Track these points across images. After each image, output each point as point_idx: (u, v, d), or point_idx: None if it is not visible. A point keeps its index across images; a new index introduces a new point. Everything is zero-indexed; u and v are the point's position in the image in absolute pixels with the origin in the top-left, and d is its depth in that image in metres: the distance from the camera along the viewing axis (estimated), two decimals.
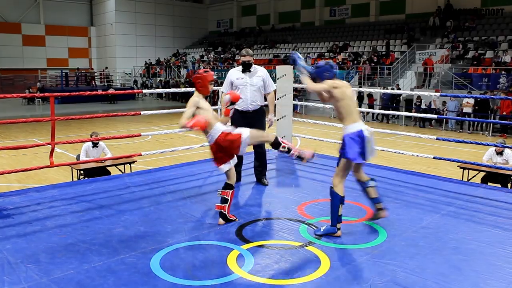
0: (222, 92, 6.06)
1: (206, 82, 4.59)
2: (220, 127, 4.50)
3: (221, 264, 3.61)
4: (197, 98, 4.52)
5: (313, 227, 4.44)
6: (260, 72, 5.90)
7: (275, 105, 6.51)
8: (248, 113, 5.82)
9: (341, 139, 4.20)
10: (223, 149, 4.47)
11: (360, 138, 4.10)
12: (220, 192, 4.51)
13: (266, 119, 6.06)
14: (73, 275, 3.41)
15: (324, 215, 4.79)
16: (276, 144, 4.62)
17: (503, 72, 18.73)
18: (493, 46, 21.21)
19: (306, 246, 4.00)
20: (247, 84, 5.77)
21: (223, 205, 4.47)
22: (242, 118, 5.68)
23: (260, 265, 3.61)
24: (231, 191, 4.49)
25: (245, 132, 4.44)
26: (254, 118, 5.77)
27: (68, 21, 37.65)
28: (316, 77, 4.26)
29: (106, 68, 37.37)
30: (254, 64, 5.92)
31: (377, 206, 4.42)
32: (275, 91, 6.29)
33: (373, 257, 3.79)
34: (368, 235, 4.27)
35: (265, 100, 6.11)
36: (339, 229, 4.20)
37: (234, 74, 5.88)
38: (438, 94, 8.06)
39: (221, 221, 4.50)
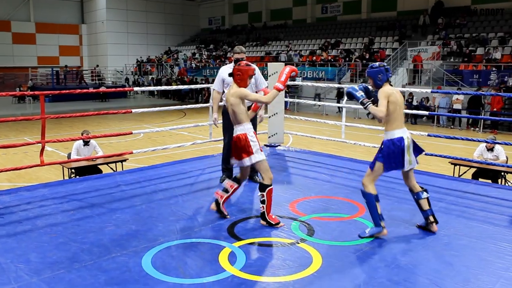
0: (214, 89, 6.03)
1: (246, 76, 4.54)
2: (249, 128, 4.45)
3: (213, 262, 3.60)
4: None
5: (305, 224, 4.44)
6: None
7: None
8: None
9: (381, 143, 4.24)
10: (236, 147, 4.42)
11: (398, 146, 4.09)
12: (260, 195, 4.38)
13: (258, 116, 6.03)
14: (64, 274, 3.38)
15: (316, 212, 4.80)
16: (260, 187, 4.37)
17: (493, 69, 18.84)
18: (484, 43, 21.33)
19: (298, 243, 4.00)
20: None
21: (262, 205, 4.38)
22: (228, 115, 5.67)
23: (252, 263, 3.61)
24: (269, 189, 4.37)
25: (260, 156, 4.35)
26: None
27: (59, 19, 37.37)
28: (371, 78, 4.20)
29: (97, 66, 37.17)
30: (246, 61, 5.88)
31: (429, 219, 4.28)
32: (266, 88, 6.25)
33: (365, 253, 3.79)
34: (361, 232, 4.26)
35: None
36: (384, 227, 4.13)
37: (226, 71, 5.82)
38: (429, 91, 8.07)
39: (262, 222, 4.43)
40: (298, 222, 4.49)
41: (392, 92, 4.10)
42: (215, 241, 4.01)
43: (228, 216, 4.59)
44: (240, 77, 4.51)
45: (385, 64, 4.26)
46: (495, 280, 3.37)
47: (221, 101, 6.00)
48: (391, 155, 4.11)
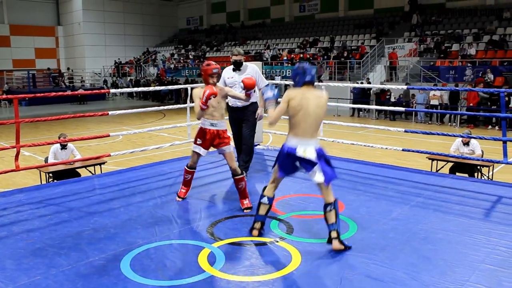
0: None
1: (206, 76, 4.76)
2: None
3: (192, 263, 3.59)
4: (199, 90, 4.76)
5: (285, 223, 4.45)
6: (249, 70, 6.01)
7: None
8: (237, 109, 6.09)
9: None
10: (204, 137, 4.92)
11: (288, 154, 3.81)
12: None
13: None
14: (40, 280, 3.34)
15: (295, 210, 4.82)
16: (236, 178, 4.91)
17: (468, 65, 19.15)
18: (459, 39, 21.67)
19: (277, 241, 4.01)
20: (236, 82, 5.90)
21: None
22: (233, 114, 6.15)
23: (232, 263, 3.60)
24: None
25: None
26: (243, 114, 6.05)
27: (34, 21, 36.73)
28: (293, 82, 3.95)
29: (68, 69, 36.61)
30: (243, 62, 6.04)
31: (330, 234, 3.85)
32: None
33: (343, 250, 3.82)
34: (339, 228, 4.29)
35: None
36: (254, 228, 4.13)
37: (226, 73, 6.09)
38: (405, 87, 8.16)
39: None
40: (277, 221, 4.50)
41: (294, 96, 3.76)
42: (194, 242, 4.00)
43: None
44: (203, 76, 4.80)
45: (306, 65, 3.90)
46: (470, 272, 3.43)
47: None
48: (283, 160, 3.88)
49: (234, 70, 6.01)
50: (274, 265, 3.57)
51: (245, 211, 4.82)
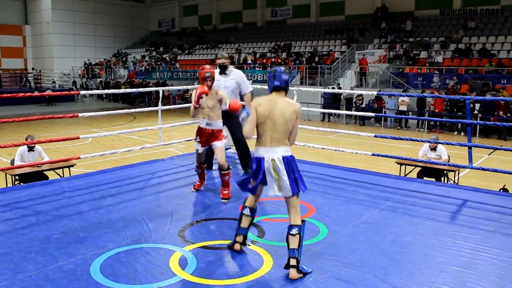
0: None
1: (200, 78, 5.13)
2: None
3: (163, 267, 3.57)
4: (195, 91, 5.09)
5: (256, 227, 4.47)
6: (234, 75, 6.16)
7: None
8: (223, 112, 5.99)
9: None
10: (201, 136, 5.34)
11: (258, 164, 3.63)
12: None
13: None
14: (6, 286, 3.25)
15: (267, 213, 4.85)
16: (222, 172, 5.27)
17: (436, 72, 19.63)
18: (427, 47, 22.19)
19: (249, 245, 4.02)
20: (221, 86, 5.98)
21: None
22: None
23: (203, 266, 3.60)
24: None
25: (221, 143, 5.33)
26: (229, 117, 6.01)
27: (0, 19, 35.80)
28: None
29: (33, 69, 35.81)
30: (227, 65, 6.19)
31: (290, 261, 3.49)
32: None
33: (314, 253, 3.86)
34: (310, 232, 4.33)
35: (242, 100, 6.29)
36: (236, 241, 3.89)
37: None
38: (375, 93, 8.31)
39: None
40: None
41: (261, 103, 3.62)
42: (165, 246, 3.98)
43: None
44: (199, 79, 5.15)
45: (279, 69, 3.71)
46: (437, 273, 3.52)
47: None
48: (253, 170, 3.67)
49: (220, 73, 6.13)
50: (245, 268, 3.58)
51: (222, 200, 5.24)
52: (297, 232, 3.49)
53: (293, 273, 3.42)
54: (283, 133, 3.59)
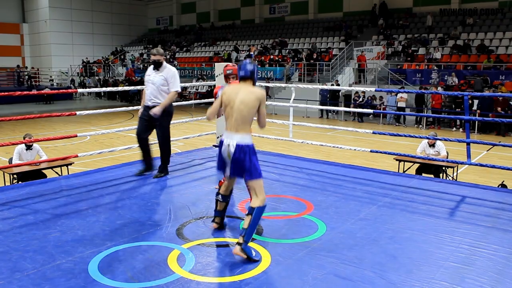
0: (145, 88, 6.29)
1: (224, 77, 5.18)
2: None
3: (162, 265, 3.56)
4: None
5: None
6: (165, 72, 6.04)
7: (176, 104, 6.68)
8: (148, 108, 6.09)
9: None
10: None
11: (220, 147, 3.91)
12: None
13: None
14: (4, 285, 3.24)
15: (265, 211, 4.82)
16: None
17: (434, 68, 19.63)
18: (425, 43, 22.18)
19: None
20: (149, 81, 6.04)
21: None
22: (145, 112, 6.13)
23: (201, 264, 3.59)
24: None
25: None
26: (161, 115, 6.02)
27: None
28: None
29: (26, 67, 35.64)
30: (162, 62, 6.06)
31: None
32: (179, 93, 6.57)
33: (312, 250, 3.86)
34: (308, 229, 4.34)
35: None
36: (215, 221, 4.32)
37: (148, 71, 6.19)
38: (373, 89, 8.31)
39: None
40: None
41: (226, 91, 3.91)
42: (163, 244, 3.97)
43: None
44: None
45: (245, 61, 4.03)
46: (435, 269, 3.52)
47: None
48: (218, 156, 3.97)
49: (154, 68, 6.09)
50: (244, 266, 3.57)
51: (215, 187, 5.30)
52: (249, 213, 3.74)
53: (236, 249, 3.68)
54: (242, 120, 3.78)
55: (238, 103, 3.78)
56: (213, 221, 4.34)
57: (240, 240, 3.67)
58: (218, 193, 4.22)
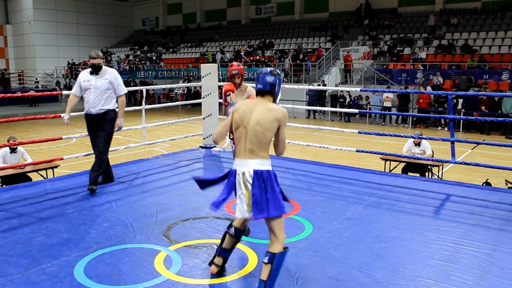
0: (72, 93, 5.82)
1: (229, 76, 5.12)
2: None
3: (148, 267, 3.55)
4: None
5: None
6: (108, 75, 5.65)
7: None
8: (91, 116, 5.67)
9: None
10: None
11: (229, 179, 3.25)
12: None
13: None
14: None
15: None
16: None
17: (420, 68, 19.79)
18: (410, 43, 22.36)
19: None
20: (91, 87, 5.58)
21: None
22: (88, 121, 5.74)
23: (188, 266, 3.59)
24: None
25: None
26: (98, 122, 5.65)
27: None
28: None
29: (5, 70, 35.16)
30: (102, 65, 5.67)
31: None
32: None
33: (299, 250, 3.88)
34: (295, 229, 4.36)
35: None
36: (212, 262, 3.48)
37: (83, 76, 5.68)
38: (358, 89, 8.36)
39: None
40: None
41: (239, 108, 3.21)
42: (150, 246, 3.96)
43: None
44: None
45: (264, 70, 3.25)
46: (421, 268, 3.56)
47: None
48: (226, 183, 3.29)
49: (91, 73, 5.64)
50: (231, 267, 3.58)
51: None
52: (269, 261, 3.01)
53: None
54: (258, 144, 3.09)
55: (254, 123, 3.08)
56: (211, 262, 3.48)
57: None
58: (230, 225, 3.42)
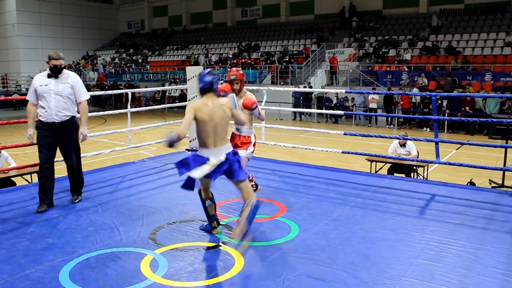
0: (28, 100, 5.11)
1: (228, 79, 5.12)
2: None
3: (134, 271, 3.53)
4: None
5: (227, 227, 4.47)
6: (70, 78, 5.10)
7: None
8: (54, 125, 5.00)
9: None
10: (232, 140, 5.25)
11: (199, 163, 3.84)
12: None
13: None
14: None
15: (238, 214, 4.83)
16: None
17: (405, 69, 19.98)
18: (395, 45, 22.57)
19: (220, 246, 4.02)
20: (51, 91, 4.96)
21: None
22: (48, 132, 5.01)
23: (174, 269, 3.57)
24: None
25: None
26: (64, 131, 5.06)
27: None
28: None
29: None
30: (63, 68, 5.11)
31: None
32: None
33: (285, 252, 3.88)
34: (281, 231, 4.37)
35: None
36: (213, 227, 4.32)
37: (38, 80, 5.04)
38: (343, 91, 8.41)
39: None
40: (220, 225, 4.51)
41: (200, 107, 3.80)
42: (136, 249, 3.93)
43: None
44: None
45: (203, 71, 3.97)
46: (406, 267, 3.59)
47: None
48: (194, 167, 3.84)
49: (49, 76, 5.02)
50: (217, 269, 3.58)
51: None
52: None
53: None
54: (224, 132, 3.90)
55: (220, 119, 3.83)
56: (214, 228, 4.32)
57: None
58: (204, 201, 4.23)
